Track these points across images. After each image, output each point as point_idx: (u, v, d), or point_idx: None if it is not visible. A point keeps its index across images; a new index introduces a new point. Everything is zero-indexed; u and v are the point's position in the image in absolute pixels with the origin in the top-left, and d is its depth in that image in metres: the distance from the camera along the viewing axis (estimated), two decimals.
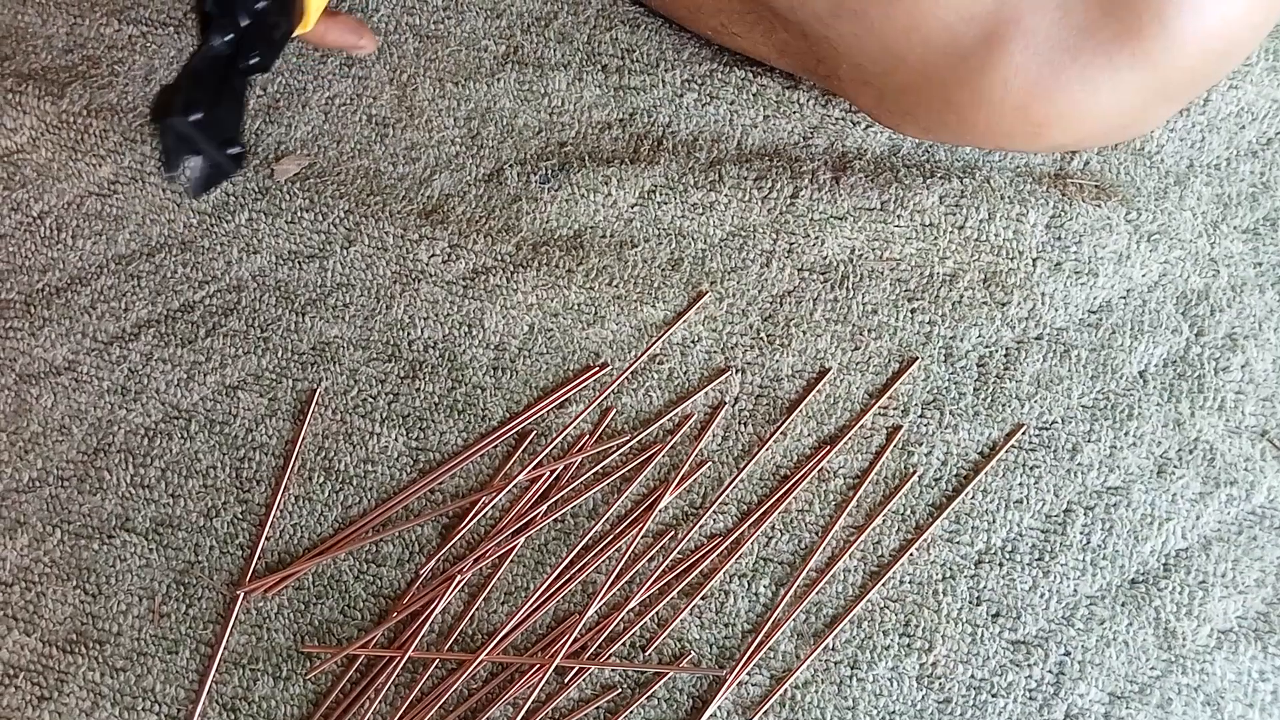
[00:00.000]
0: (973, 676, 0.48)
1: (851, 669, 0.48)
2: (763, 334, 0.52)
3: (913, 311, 0.52)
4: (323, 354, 0.52)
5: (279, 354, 0.52)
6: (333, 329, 0.52)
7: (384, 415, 0.51)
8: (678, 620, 0.49)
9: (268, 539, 0.50)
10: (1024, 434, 0.50)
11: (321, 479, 0.51)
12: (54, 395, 0.52)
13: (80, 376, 0.52)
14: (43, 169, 0.55)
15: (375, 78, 0.56)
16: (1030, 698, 0.48)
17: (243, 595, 0.49)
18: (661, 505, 0.50)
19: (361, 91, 0.56)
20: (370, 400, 0.52)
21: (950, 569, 0.49)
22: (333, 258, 0.53)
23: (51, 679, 0.49)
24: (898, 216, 0.53)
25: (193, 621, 0.49)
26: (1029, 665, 0.48)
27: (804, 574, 0.49)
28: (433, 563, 0.50)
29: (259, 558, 0.50)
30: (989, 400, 0.51)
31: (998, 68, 0.44)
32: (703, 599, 0.49)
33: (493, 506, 0.50)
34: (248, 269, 0.53)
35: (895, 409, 0.51)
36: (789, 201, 0.53)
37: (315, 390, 0.52)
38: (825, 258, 0.53)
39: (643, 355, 0.52)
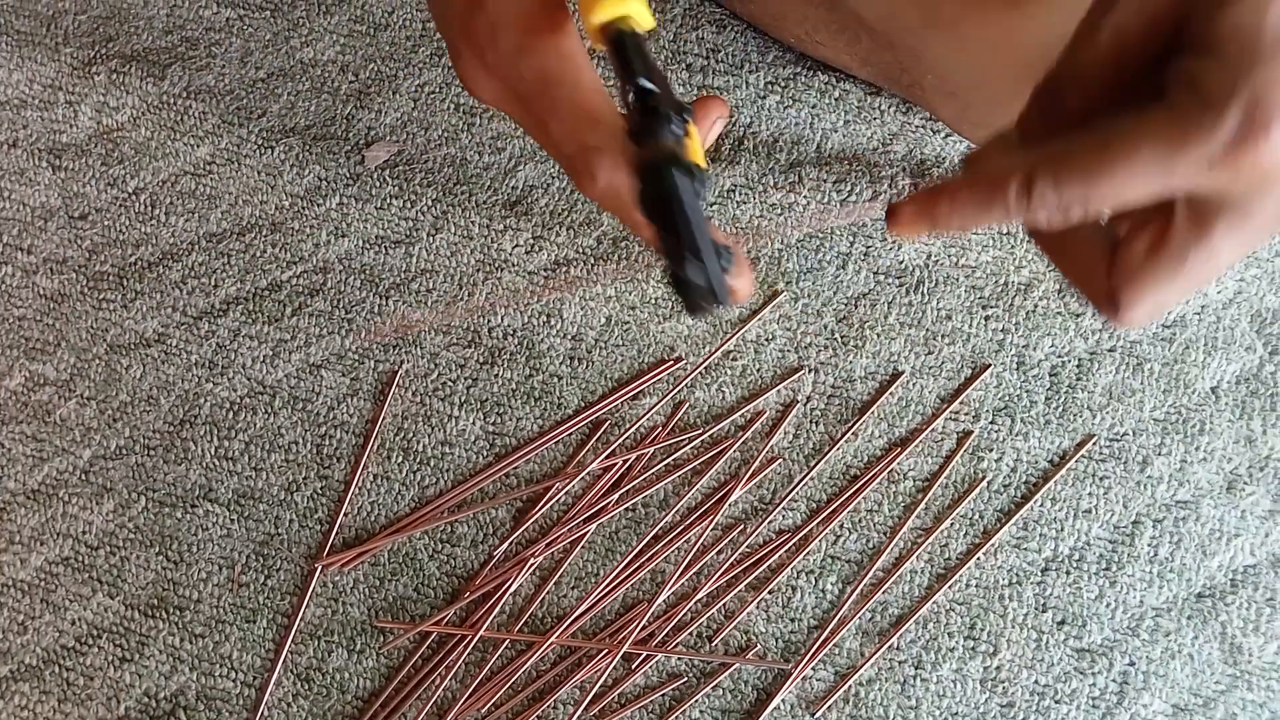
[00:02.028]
0: (1036, 682, 0.48)
1: (916, 669, 0.49)
2: (836, 335, 0.53)
3: (986, 319, 0.53)
4: (404, 337, 0.53)
5: (362, 335, 0.53)
6: (415, 313, 0.54)
7: (462, 399, 0.53)
8: (745, 613, 0.49)
9: (346, 515, 0.51)
10: (1094, 444, 0.51)
11: (400, 458, 0.52)
12: (143, 366, 0.54)
13: (169, 349, 0.54)
14: (141, 147, 0.56)
15: None
16: (1094, 706, 0.48)
17: (320, 568, 0.50)
18: (731, 499, 0.51)
19: (451, 80, 0.57)
20: (449, 384, 0.53)
21: (1017, 575, 0.50)
22: (419, 244, 0.54)
23: (133, 641, 0.50)
24: None
25: (271, 592, 0.51)
26: (1093, 673, 0.48)
27: (871, 573, 0.50)
28: (505, 545, 0.51)
29: (337, 533, 0.51)
30: (1060, 409, 0.51)
31: None
32: (770, 593, 0.50)
33: (565, 493, 0.51)
34: (335, 252, 0.55)
35: (966, 414, 0.52)
36: (867, 205, 0.54)
37: (396, 372, 0.53)
38: (901, 262, 0.53)
39: (716, 351, 0.53)
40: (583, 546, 0.51)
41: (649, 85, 0.31)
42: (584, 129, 0.35)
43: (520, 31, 0.34)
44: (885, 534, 0.50)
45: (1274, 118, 0.27)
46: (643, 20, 0.33)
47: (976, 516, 0.50)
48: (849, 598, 0.50)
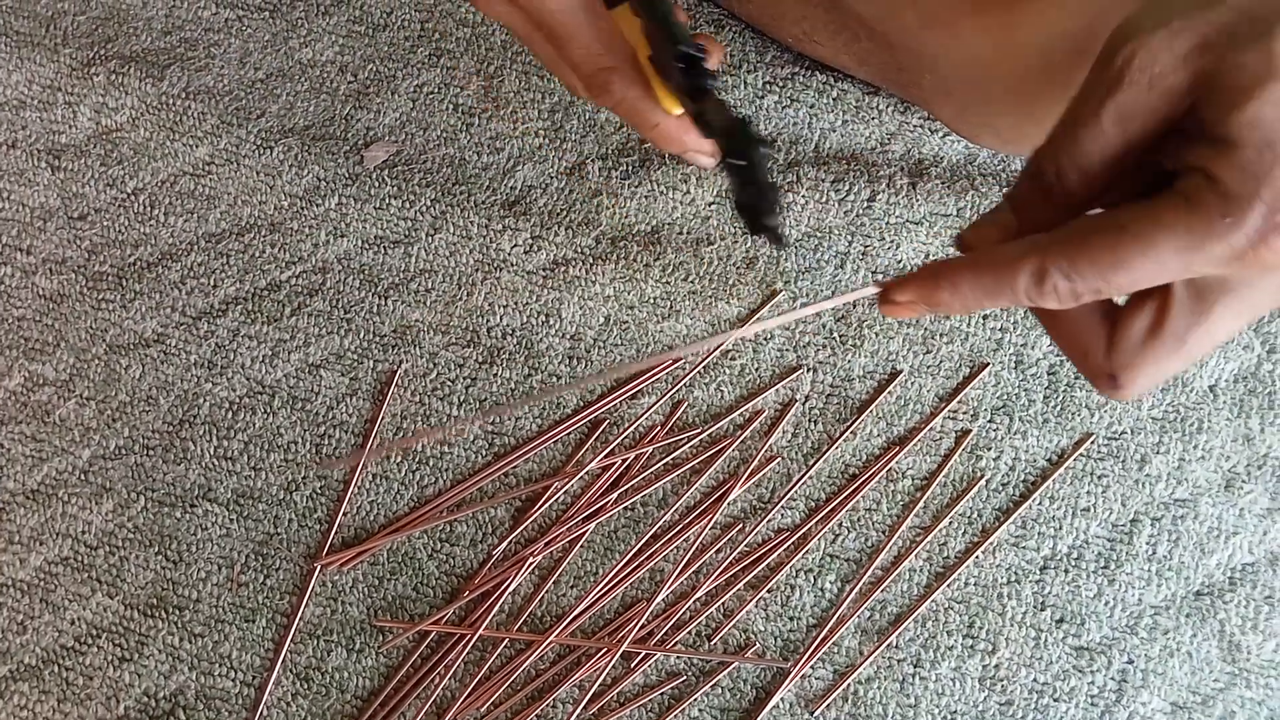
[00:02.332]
0: (1035, 680, 0.48)
1: (915, 667, 0.49)
2: (835, 334, 0.53)
3: (984, 317, 0.53)
4: (404, 336, 0.53)
5: (361, 335, 0.54)
6: (414, 313, 0.54)
7: (461, 399, 0.53)
8: (744, 612, 0.50)
9: (345, 514, 0.51)
10: (1093, 443, 0.51)
11: (399, 458, 0.52)
12: (142, 366, 0.54)
13: (168, 349, 0.54)
14: (140, 148, 0.56)
15: (463, 68, 0.57)
16: (1092, 704, 0.48)
17: (319, 568, 0.51)
18: (730, 498, 0.51)
19: (449, 81, 0.57)
20: (448, 383, 0.53)
21: (1016, 573, 0.50)
22: (418, 244, 0.54)
23: (132, 641, 0.50)
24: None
25: (270, 591, 0.51)
26: (1092, 672, 0.48)
27: (870, 572, 0.50)
28: (505, 544, 0.51)
29: (336, 532, 0.51)
30: (1058, 408, 0.51)
31: None
32: (769, 592, 0.50)
33: (564, 492, 0.51)
34: (334, 252, 0.55)
35: (965, 413, 0.52)
36: (865, 205, 0.54)
37: (395, 371, 0.53)
38: (899, 261, 0.54)
39: (715, 350, 0.53)
40: (582, 545, 0.51)
41: (692, 51, 0.38)
42: (601, 52, 0.41)
43: None
44: (884, 532, 0.50)
45: None
46: None
47: (975, 515, 0.50)
48: (848, 596, 0.50)
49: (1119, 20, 0.44)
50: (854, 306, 0.53)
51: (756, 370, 0.53)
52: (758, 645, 0.49)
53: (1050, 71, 0.45)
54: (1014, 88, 0.46)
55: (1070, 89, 0.45)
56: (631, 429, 0.52)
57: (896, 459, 0.51)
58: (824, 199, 0.54)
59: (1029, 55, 0.45)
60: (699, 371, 0.53)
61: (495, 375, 0.53)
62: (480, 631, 0.49)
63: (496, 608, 0.50)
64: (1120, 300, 0.32)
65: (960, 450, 0.51)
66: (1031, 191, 0.31)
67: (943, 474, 0.51)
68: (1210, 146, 0.27)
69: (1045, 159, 0.31)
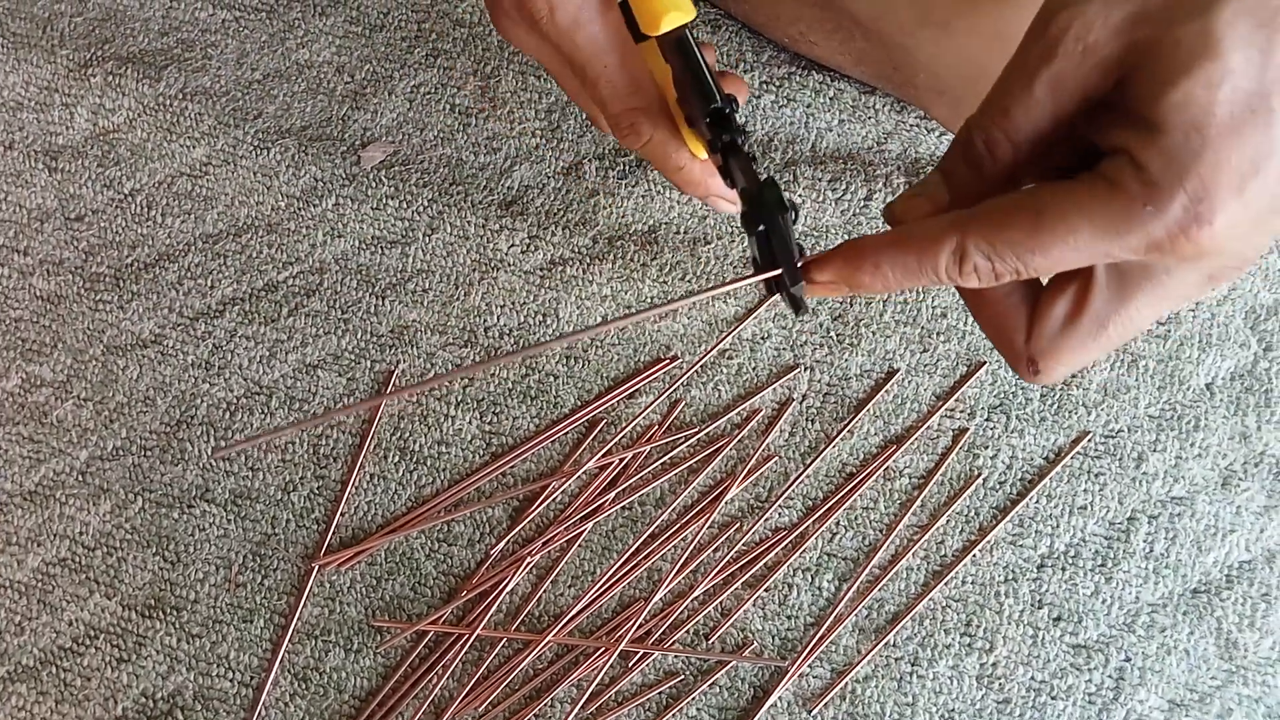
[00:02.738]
0: (1033, 678, 0.48)
1: (912, 666, 0.49)
2: (832, 333, 0.53)
3: None
4: (401, 337, 0.54)
5: (358, 335, 0.54)
6: (411, 313, 0.54)
7: (459, 399, 0.53)
8: (741, 610, 0.50)
9: (342, 515, 0.51)
10: (1090, 441, 0.51)
11: (396, 458, 0.52)
12: (140, 367, 0.54)
13: (166, 350, 0.54)
14: (137, 149, 0.56)
15: (459, 68, 0.57)
16: (1090, 702, 0.48)
17: (317, 568, 0.51)
18: (728, 498, 0.51)
19: (446, 81, 0.57)
20: (446, 383, 0.53)
21: (1013, 571, 0.50)
22: (415, 244, 0.55)
23: (130, 642, 0.50)
24: None
25: (268, 592, 0.51)
26: (1089, 669, 0.48)
27: (867, 570, 0.50)
28: (502, 544, 0.51)
29: (333, 533, 0.51)
30: (1055, 406, 0.52)
31: None
32: (766, 591, 0.50)
33: (562, 492, 0.51)
34: (331, 252, 0.55)
35: (962, 412, 0.52)
36: (862, 204, 0.54)
37: (393, 371, 0.53)
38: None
39: (712, 350, 0.53)
40: (579, 545, 0.51)
41: (725, 108, 0.38)
42: (629, 93, 0.41)
43: (578, 7, 0.39)
44: (881, 531, 0.50)
45: (1218, 209, 0.26)
46: (690, 13, 0.39)
47: (972, 513, 0.50)
48: (845, 595, 0.50)
49: None
50: (850, 305, 0.53)
51: (754, 369, 0.53)
52: (755, 644, 0.49)
53: None
54: None
55: None
56: (629, 429, 0.52)
57: (893, 458, 0.51)
58: (821, 198, 0.54)
59: None
60: (696, 371, 0.53)
61: (492, 375, 0.53)
62: (478, 631, 0.49)
63: (494, 607, 0.50)
64: (1044, 281, 0.32)
65: (957, 449, 0.51)
66: (961, 162, 0.31)
67: (940, 472, 0.51)
68: (1137, 129, 0.26)
69: (975, 129, 0.30)
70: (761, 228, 0.34)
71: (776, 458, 0.52)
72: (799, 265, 0.34)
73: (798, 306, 0.35)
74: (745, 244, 0.54)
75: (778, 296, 0.37)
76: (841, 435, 0.51)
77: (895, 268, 0.31)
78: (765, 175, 0.36)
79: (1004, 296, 0.32)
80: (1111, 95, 0.28)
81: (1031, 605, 0.49)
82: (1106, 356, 0.52)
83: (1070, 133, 0.29)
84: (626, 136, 0.42)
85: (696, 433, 0.52)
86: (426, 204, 0.55)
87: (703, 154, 0.43)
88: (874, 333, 0.53)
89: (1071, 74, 0.28)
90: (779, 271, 0.34)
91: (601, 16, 0.40)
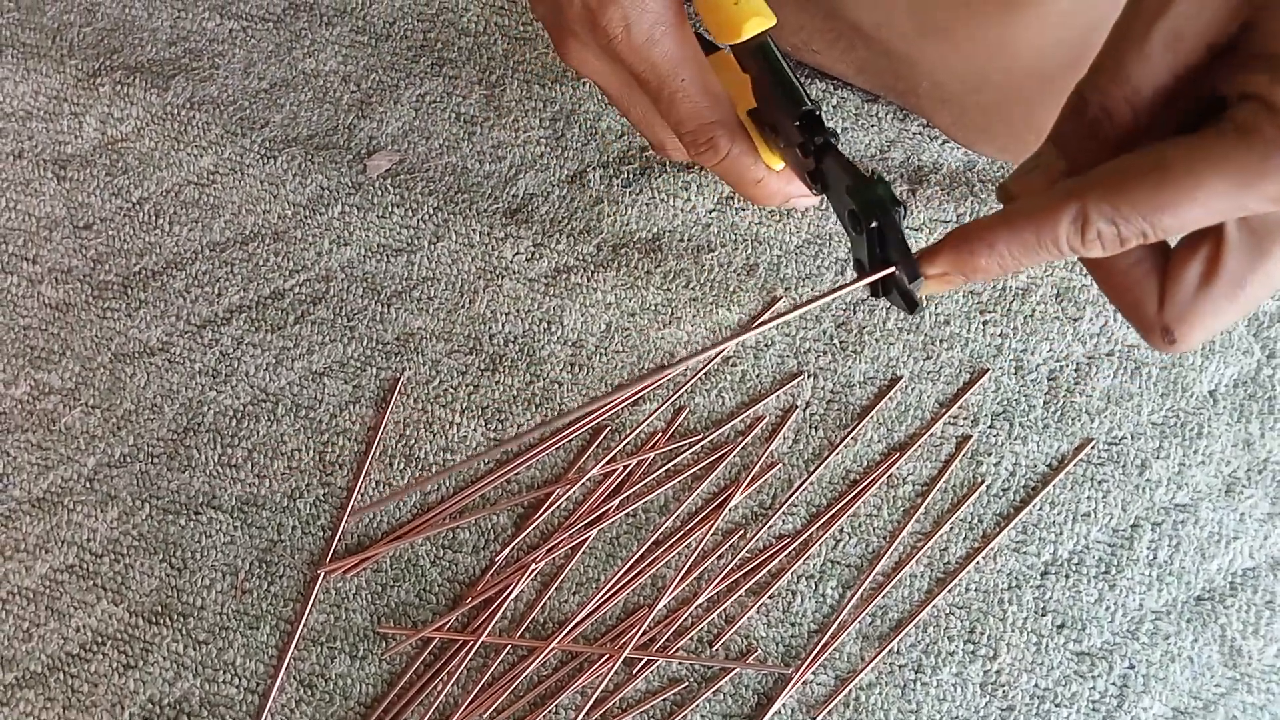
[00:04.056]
0: (1037, 686, 0.48)
1: (916, 673, 0.49)
2: (835, 340, 0.53)
3: (985, 323, 0.53)
4: (407, 344, 0.54)
5: (364, 343, 0.54)
6: (417, 320, 0.54)
7: (464, 406, 0.53)
8: (745, 617, 0.50)
9: (348, 521, 0.52)
10: (1093, 448, 0.51)
11: (402, 465, 0.52)
12: (147, 374, 0.54)
13: (173, 357, 0.54)
14: (145, 157, 0.57)
15: (465, 77, 0.58)
16: (1094, 709, 0.48)
17: (323, 575, 0.51)
18: (731, 505, 0.51)
19: (451, 90, 0.57)
20: (451, 391, 0.53)
21: (1016, 578, 0.50)
22: (420, 252, 0.55)
23: (137, 648, 0.51)
24: None
25: (274, 599, 0.51)
26: (1093, 677, 0.48)
27: (871, 577, 0.50)
28: (507, 551, 0.51)
29: (339, 539, 0.51)
30: (1059, 414, 0.52)
31: None
32: (770, 598, 0.50)
33: (566, 499, 0.52)
34: (337, 260, 0.55)
35: (965, 419, 0.52)
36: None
37: (398, 379, 0.53)
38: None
39: (716, 356, 0.53)
40: (584, 552, 0.51)
41: (816, 109, 0.38)
42: (706, 108, 0.40)
43: (652, 24, 0.38)
44: (885, 538, 0.50)
45: None
46: (771, 19, 0.39)
47: (975, 520, 0.51)
48: (849, 602, 0.50)
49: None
50: (854, 312, 0.53)
51: (757, 377, 0.53)
52: (759, 651, 0.49)
53: (1046, 79, 0.45)
54: (1010, 95, 0.47)
55: (1066, 98, 0.46)
56: (633, 436, 0.52)
57: (897, 465, 0.51)
58: (824, 205, 0.54)
59: (1024, 63, 0.45)
60: (700, 378, 0.53)
61: (498, 382, 0.53)
62: (483, 638, 0.49)
63: (499, 614, 0.50)
64: (1172, 243, 0.30)
65: (960, 456, 0.51)
66: (1076, 129, 0.29)
67: (943, 480, 0.51)
68: (1269, 70, 0.25)
69: (1089, 91, 0.28)
70: (875, 224, 0.33)
71: (780, 465, 0.52)
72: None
73: (913, 305, 0.34)
74: (747, 249, 0.54)
75: (873, 297, 0.36)
76: (845, 442, 0.52)
77: (1012, 246, 0.29)
78: (873, 172, 0.35)
79: (1131, 264, 0.30)
80: (1237, 38, 0.26)
81: (1035, 612, 0.49)
82: (1110, 363, 0.52)
83: (1191, 86, 0.27)
84: (704, 153, 0.41)
85: (700, 440, 0.52)
86: (432, 212, 0.55)
87: (778, 164, 0.42)
88: (877, 340, 0.53)
89: (1190, 23, 0.26)
90: (892, 270, 0.33)
91: (675, 31, 0.39)
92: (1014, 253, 0.29)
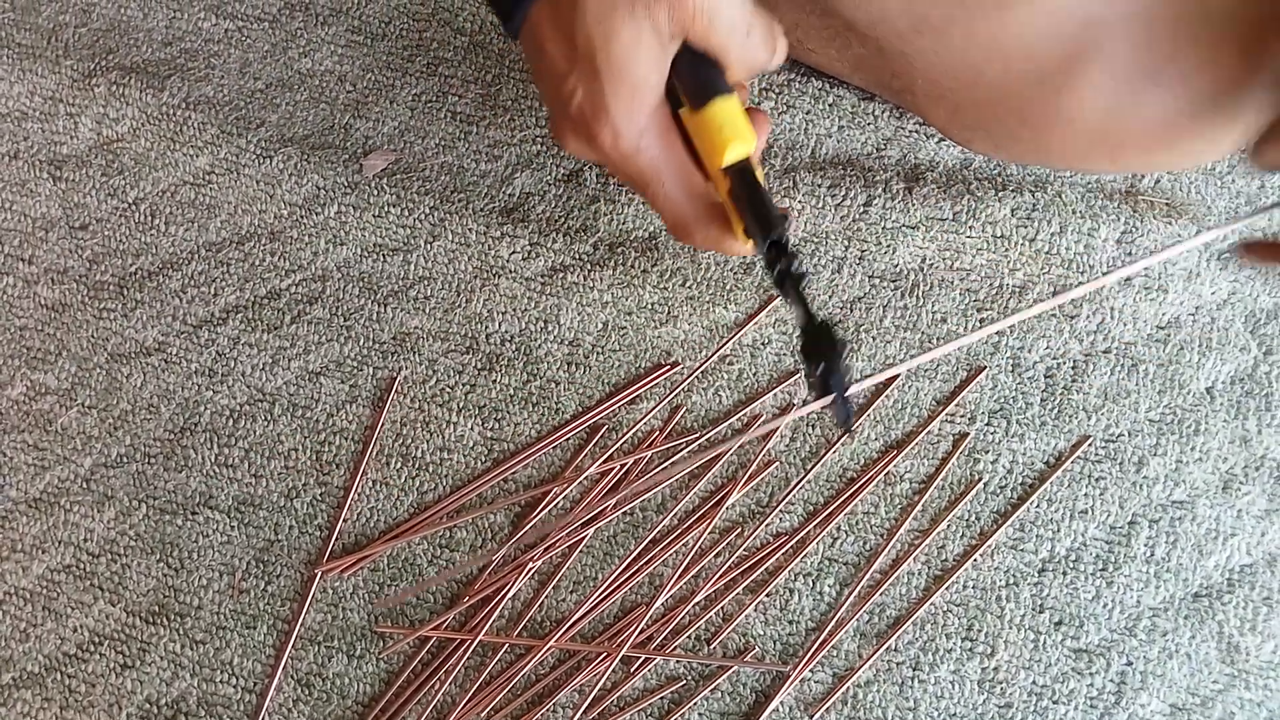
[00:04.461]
0: (1034, 683, 0.48)
1: (913, 670, 0.49)
2: None
3: (981, 321, 0.53)
4: (403, 344, 0.54)
5: (361, 342, 0.54)
6: (413, 320, 0.54)
7: (461, 405, 0.53)
8: (743, 615, 0.50)
9: (345, 521, 0.52)
10: (1090, 445, 0.51)
11: (399, 464, 0.52)
12: (144, 375, 0.54)
13: (169, 358, 0.54)
14: (140, 158, 0.57)
15: (460, 76, 0.58)
16: (1091, 706, 0.48)
17: (320, 575, 0.51)
18: (729, 503, 0.51)
19: (447, 90, 0.57)
20: (448, 390, 0.53)
21: (1014, 576, 0.50)
22: (416, 251, 0.55)
23: (134, 648, 0.51)
24: (969, 228, 0.54)
25: (271, 598, 0.51)
26: (1091, 674, 0.48)
27: (868, 575, 0.50)
28: (504, 550, 0.51)
29: (336, 539, 0.51)
30: (1056, 411, 0.52)
31: (1077, 89, 0.45)
32: (768, 596, 0.50)
33: (563, 497, 0.52)
34: (333, 260, 0.55)
35: (962, 417, 0.52)
36: (862, 210, 0.54)
37: (395, 378, 0.53)
38: (896, 266, 0.54)
39: (713, 355, 0.53)
40: (581, 550, 0.51)
41: (782, 239, 0.40)
42: (684, 208, 0.44)
43: (639, 133, 0.42)
44: (882, 536, 0.50)
45: None
46: (750, 143, 0.42)
47: (973, 518, 0.51)
48: (846, 600, 0.50)
49: (1107, 28, 0.44)
50: (851, 310, 0.53)
51: (754, 375, 0.53)
52: (757, 649, 0.49)
53: (1041, 78, 0.45)
54: (1005, 93, 0.47)
55: (1060, 94, 0.46)
56: (630, 434, 0.52)
57: (894, 463, 0.51)
58: (820, 204, 0.54)
59: (1019, 61, 0.45)
60: (697, 377, 0.53)
61: (494, 381, 0.53)
62: (480, 637, 0.49)
63: (496, 613, 0.50)
64: None
65: (958, 454, 0.51)
66: None
67: (940, 477, 0.51)
68: None
69: None
70: (820, 365, 0.38)
71: (777, 463, 0.52)
72: None
73: (847, 428, 0.41)
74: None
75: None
76: (842, 440, 0.52)
77: None
78: (819, 316, 0.40)
79: None
80: None
81: (1033, 610, 0.49)
82: (1107, 361, 0.52)
83: None
84: (681, 237, 0.46)
85: (697, 438, 0.52)
86: (428, 211, 0.55)
87: (749, 245, 0.45)
88: (874, 338, 0.53)
89: None
90: (833, 398, 0.39)
91: (661, 139, 0.43)
92: None
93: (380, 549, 0.51)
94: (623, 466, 0.52)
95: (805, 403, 0.42)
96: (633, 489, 0.51)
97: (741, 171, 0.42)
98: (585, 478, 0.51)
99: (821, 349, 0.39)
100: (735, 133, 0.41)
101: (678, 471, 0.51)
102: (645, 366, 0.53)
